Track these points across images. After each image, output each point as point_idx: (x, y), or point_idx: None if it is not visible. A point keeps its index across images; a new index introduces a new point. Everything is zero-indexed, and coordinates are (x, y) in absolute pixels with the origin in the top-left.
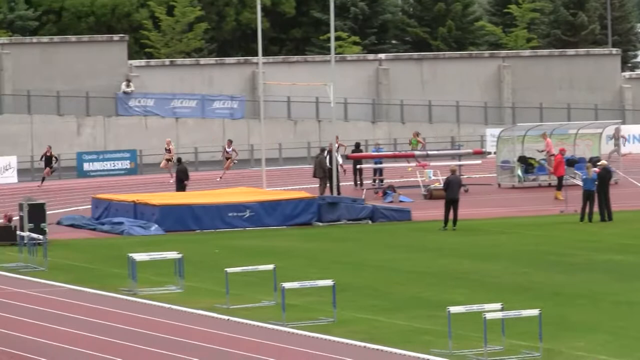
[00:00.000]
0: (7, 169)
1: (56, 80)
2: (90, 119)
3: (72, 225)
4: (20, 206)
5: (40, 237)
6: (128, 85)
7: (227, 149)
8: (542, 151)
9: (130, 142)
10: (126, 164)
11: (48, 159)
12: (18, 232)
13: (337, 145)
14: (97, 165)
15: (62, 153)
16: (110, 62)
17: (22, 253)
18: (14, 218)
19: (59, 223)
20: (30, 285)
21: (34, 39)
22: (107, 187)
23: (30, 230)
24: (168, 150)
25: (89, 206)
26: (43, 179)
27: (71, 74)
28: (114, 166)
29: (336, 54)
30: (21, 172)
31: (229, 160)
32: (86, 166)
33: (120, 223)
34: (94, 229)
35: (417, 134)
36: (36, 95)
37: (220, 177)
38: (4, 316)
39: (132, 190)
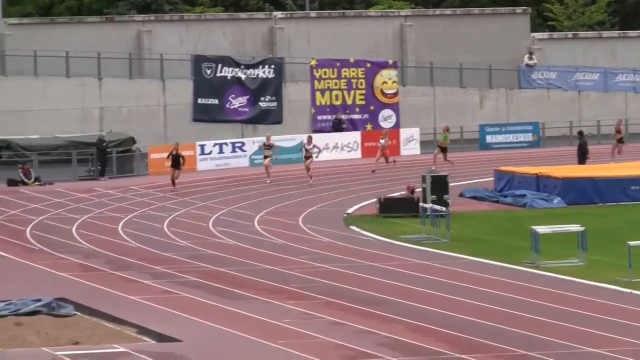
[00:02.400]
0: (410, 141)
1: (458, 52)
2: (492, 91)
3: (474, 197)
4: (423, 178)
5: (443, 208)
6: (531, 58)
7: (307, 146)
8: None
9: (533, 114)
10: (528, 137)
11: (175, 158)
12: (421, 204)
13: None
14: (499, 138)
15: (464, 125)
16: (512, 34)
17: (425, 225)
18: (416, 190)
19: (461, 195)
20: (433, 257)
21: (437, 11)
22: (509, 159)
23: (433, 202)
24: (268, 147)
25: (491, 178)
26: (173, 182)
27: (473, 46)
28: (516, 139)
29: None
30: (424, 143)
31: (309, 159)
32: (488, 138)
33: (523, 195)
34: (496, 201)
35: (447, 129)
36: (439, 67)
37: (311, 178)
38: (407, 287)
39: (535, 162)
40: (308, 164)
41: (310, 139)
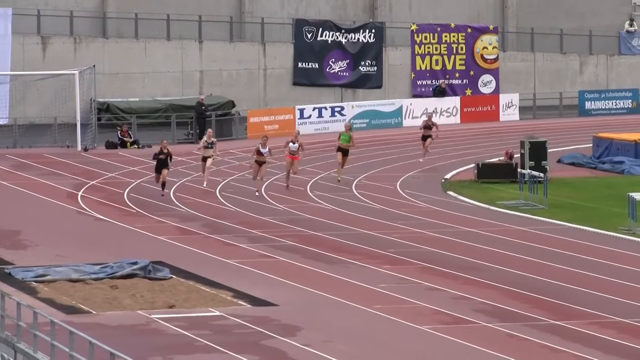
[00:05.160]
0: (509, 106)
1: (559, 18)
2: (592, 57)
3: (572, 164)
4: (522, 144)
5: (541, 175)
6: (631, 25)
7: (262, 149)
8: None
9: (632, 81)
10: (628, 103)
11: (162, 160)
12: (519, 170)
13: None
14: (598, 104)
15: (563, 92)
16: (613, 0)
17: (523, 190)
18: (515, 155)
19: (559, 161)
20: (530, 223)
21: None
22: (608, 125)
23: (531, 168)
24: (209, 145)
25: (590, 145)
26: (163, 185)
27: (575, 12)
28: (615, 105)
29: None
30: (523, 109)
31: (263, 164)
32: (587, 105)
33: (621, 162)
34: (594, 168)
35: (350, 127)
36: (539, 33)
37: (257, 192)
38: (503, 253)
39: (634, 129)
40: (261, 172)
41: (265, 140)
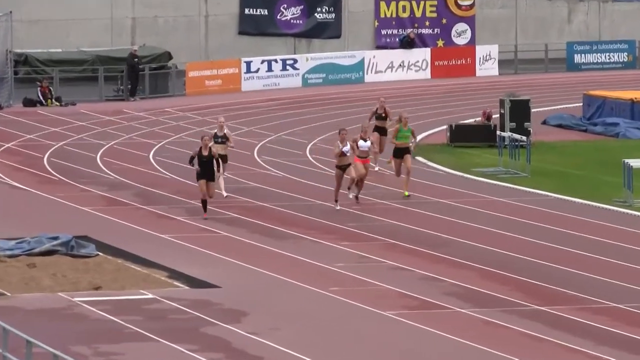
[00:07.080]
0: (486, 60)
1: None
2: (582, 4)
3: (559, 126)
4: (501, 102)
5: (524, 138)
6: None
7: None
8: None
9: (627, 31)
10: (623, 57)
11: (207, 164)
12: (498, 132)
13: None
14: (589, 58)
15: (549, 43)
16: None
17: (502, 156)
18: (493, 116)
19: (544, 122)
20: (510, 193)
21: None
22: (600, 82)
23: (512, 130)
24: (221, 139)
25: (580, 104)
26: (205, 205)
27: None
28: (609, 59)
29: None
30: (503, 63)
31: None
32: (577, 58)
33: (615, 124)
34: (584, 130)
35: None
36: None
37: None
38: (479, 228)
39: (630, 86)
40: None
41: (344, 135)
